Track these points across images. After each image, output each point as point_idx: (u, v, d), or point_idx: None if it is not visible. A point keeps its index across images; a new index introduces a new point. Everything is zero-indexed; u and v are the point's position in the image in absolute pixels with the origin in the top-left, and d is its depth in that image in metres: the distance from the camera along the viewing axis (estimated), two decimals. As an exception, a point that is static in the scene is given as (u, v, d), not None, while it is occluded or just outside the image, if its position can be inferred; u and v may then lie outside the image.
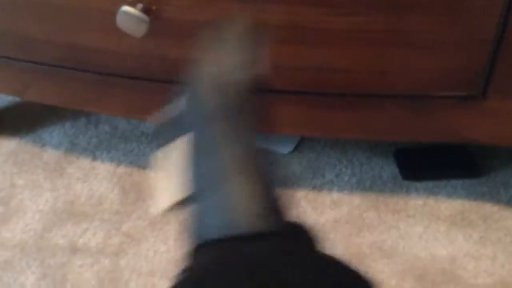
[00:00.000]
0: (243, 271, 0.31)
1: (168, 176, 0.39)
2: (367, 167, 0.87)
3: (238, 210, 0.36)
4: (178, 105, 0.43)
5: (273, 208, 0.37)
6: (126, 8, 0.62)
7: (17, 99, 1.02)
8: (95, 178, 0.86)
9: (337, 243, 0.76)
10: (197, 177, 0.38)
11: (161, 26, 0.65)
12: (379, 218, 0.79)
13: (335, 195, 0.83)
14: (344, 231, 0.77)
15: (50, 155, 0.90)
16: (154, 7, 0.63)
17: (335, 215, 0.79)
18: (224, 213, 0.36)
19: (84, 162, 0.89)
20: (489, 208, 0.78)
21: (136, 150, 0.91)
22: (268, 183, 0.38)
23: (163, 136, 0.42)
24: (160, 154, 0.41)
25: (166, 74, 0.70)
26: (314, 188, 0.84)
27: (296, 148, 0.92)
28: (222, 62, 0.42)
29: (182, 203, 0.37)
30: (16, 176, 0.86)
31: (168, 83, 0.71)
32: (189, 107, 0.41)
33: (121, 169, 0.87)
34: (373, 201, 0.81)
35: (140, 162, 0.89)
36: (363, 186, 0.84)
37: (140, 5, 0.62)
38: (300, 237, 0.37)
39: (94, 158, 0.89)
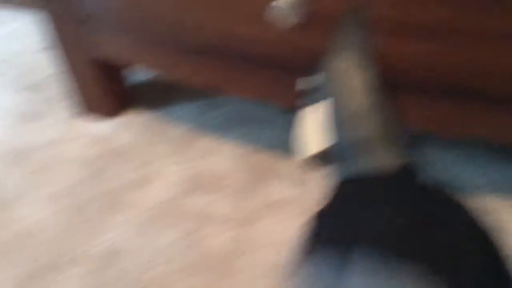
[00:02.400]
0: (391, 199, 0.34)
1: (311, 130, 0.43)
2: None
3: (380, 151, 0.39)
4: (316, 79, 0.47)
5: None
6: (279, 1, 0.68)
7: (147, 76, 1.13)
8: (220, 155, 0.93)
9: None
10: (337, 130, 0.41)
11: (308, 18, 0.69)
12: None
13: None
14: None
15: (179, 129, 0.99)
16: (303, 1, 0.68)
17: None
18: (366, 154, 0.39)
19: (209, 139, 0.97)
20: None
21: (254, 132, 0.98)
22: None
23: (306, 99, 0.47)
24: (304, 113, 0.46)
25: (305, 64, 0.75)
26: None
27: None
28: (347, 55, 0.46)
29: (324, 155, 0.42)
30: (154, 145, 0.96)
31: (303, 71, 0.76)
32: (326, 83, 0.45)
33: (243, 149, 0.94)
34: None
35: (259, 144, 0.95)
36: None
37: (293, -1, 0.68)
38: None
39: (218, 136, 0.97)
